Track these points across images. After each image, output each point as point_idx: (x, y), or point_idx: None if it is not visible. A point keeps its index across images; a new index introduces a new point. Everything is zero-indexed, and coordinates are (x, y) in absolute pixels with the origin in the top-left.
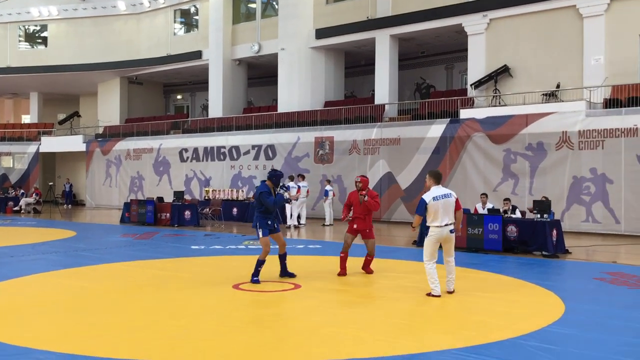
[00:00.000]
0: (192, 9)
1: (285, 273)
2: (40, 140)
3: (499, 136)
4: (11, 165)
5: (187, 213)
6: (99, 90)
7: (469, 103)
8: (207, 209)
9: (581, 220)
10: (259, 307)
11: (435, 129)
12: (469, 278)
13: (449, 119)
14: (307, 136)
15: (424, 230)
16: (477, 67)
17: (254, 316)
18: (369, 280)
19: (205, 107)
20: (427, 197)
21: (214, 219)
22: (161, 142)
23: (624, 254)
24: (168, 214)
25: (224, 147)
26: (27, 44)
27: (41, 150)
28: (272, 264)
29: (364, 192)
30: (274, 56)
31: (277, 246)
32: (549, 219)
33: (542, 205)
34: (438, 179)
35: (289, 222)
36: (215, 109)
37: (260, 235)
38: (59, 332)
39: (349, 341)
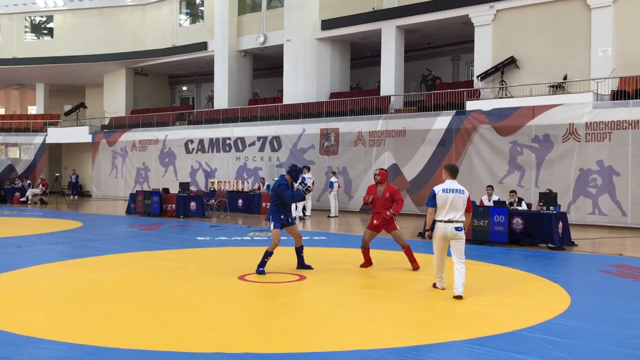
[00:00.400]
0: (198, 0)
1: (302, 265)
2: (46, 131)
3: (505, 128)
4: (18, 156)
5: (193, 204)
6: (105, 81)
7: (475, 95)
8: (213, 200)
9: (587, 212)
10: (264, 298)
11: (441, 121)
12: (475, 270)
13: (455, 111)
14: (313, 128)
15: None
16: (483, 58)
17: (259, 307)
18: (374, 272)
19: (210, 99)
20: (437, 188)
21: (219, 210)
22: (167, 134)
23: (630, 246)
24: (174, 205)
25: (229, 139)
26: (33, 35)
27: (47, 141)
28: (280, 256)
29: (388, 214)
30: (280, 47)
31: (294, 239)
32: (554, 212)
33: (548, 198)
34: (454, 174)
35: (294, 213)
36: (221, 101)
37: (272, 227)
38: (66, 322)
39: (355, 332)
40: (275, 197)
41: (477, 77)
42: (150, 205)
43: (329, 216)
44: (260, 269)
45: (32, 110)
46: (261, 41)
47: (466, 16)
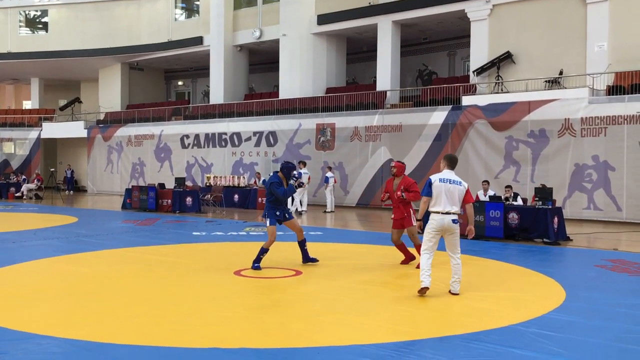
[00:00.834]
0: None
1: (307, 259)
2: (41, 126)
3: (501, 123)
4: (12, 151)
5: (189, 199)
6: (100, 76)
7: (471, 90)
8: (209, 196)
9: (583, 207)
10: (260, 293)
11: (437, 116)
12: (470, 265)
13: (451, 106)
14: (309, 123)
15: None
16: (479, 53)
17: (255, 302)
18: (370, 267)
19: (206, 94)
20: (434, 176)
21: (215, 206)
22: (162, 129)
23: (625, 241)
24: (169, 201)
25: (225, 134)
26: (27, 29)
27: (42, 136)
28: (275, 252)
29: (399, 194)
30: (276, 42)
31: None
32: (549, 206)
33: (544, 193)
34: (452, 164)
35: (290, 208)
36: (217, 96)
37: (267, 224)
38: (61, 318)
39: (350, 327)
40: (269, 195)
41: (473, 72)
42: (146, 201)
43: (325, 211)
44: (256, 264)
45: (27, 105)
46: (257, 36)
47: (462, 11)
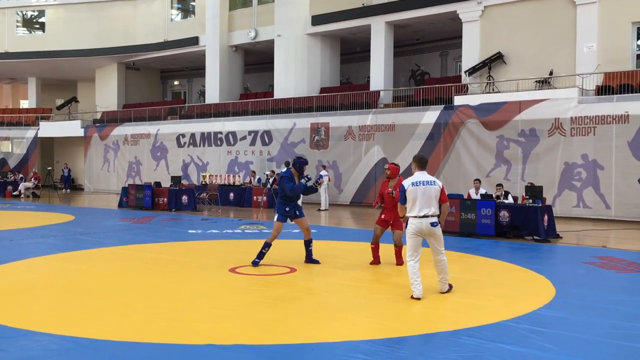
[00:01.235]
0: None
1: (310, 259)
2: (38, 125)
3: (492, 122)
4: (10, 150)
5: (185, 198)
6: (97, 75)
7: (463, 90)
8: (204, 194)
9: (572, 205)
10: (255, 290)
11: (430, 116)
12: (462, 262)
13: (443, 106)
14: (303, 122)
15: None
16: (471, 54)
17: (250, 299)
18: (363, 265)
19: (202, 93)
20: (406, 182)
21: (210, 204)
22: (158, 128)
23: (614, 238)
24: (165, 199)
25: (220, 133)
26: (24, 29)
27: (39, 135)
28: (271, 249)
29: (390, 190)
30: (271, 42)
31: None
32: (538, 205)
33: (534, 191)
34: (422, 165)
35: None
36: (212, 95)
37: (274, 219)
38: (58, 315)
39: (344, 324)
40: (280, 190)
41: (465, 72)
42: (142, 199)
43: (319, 209)
44: (256, 259)
45: (24, 104)
46: (252, 36)
47: (454, 12)
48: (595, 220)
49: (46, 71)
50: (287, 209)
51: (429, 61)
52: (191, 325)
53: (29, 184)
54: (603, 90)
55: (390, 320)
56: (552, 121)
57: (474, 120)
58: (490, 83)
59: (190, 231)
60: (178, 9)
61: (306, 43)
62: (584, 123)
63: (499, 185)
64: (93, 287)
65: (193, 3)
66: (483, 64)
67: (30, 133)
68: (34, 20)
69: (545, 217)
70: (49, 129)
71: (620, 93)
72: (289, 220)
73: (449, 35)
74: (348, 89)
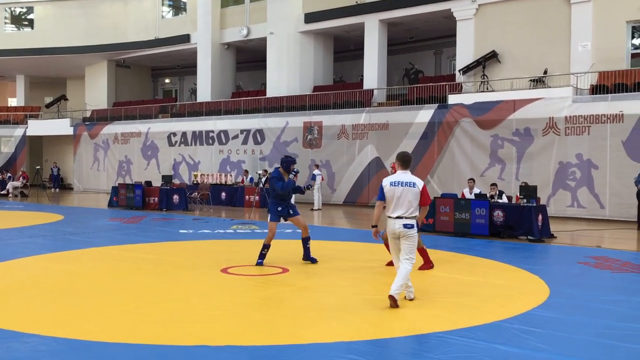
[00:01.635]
0: None
1: (307, 257)
2: (27, 123)
3: (486, 122)
4: None
5: (176, 197)
6: (86, 73)
7: (457, 88)
8: (196, 193)
9: (566, 205)
10: (247, 290)
11: (424, 114)
12: (456, 262)
13: (437, 105)
14: (296, 121)
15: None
16: (465, 52)
17: (242, 300)
18: (356, 265)
19: (193, 91)
20: (385, 180)
21: (202, 203)
22: (149, 126)
23: (608, 238)
24: (156, 198)
25: (212, 132)
26: (13, 26)
27: (28, 133)
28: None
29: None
30: (263, 40)
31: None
32: (532, 204)
33: (528, 191)
34: (404, 164)
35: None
36: (204, 93)
37: (268, 220)
38: (47, 316)
39: (337, 324)
40: (272, 190)
41: (459, 71)
42: (133, 199)
43: (312, 209)
44: (259, 260)
45: (13, 102)
46: (244, 34)
47: (448, 10)
48: (590, 220)
49: (35, 69)
50: (280, 208)
51: (423, 60)
52: (183, 326)
53: (17, 183)
54: (597, 89)
55: (384, 320)
56: (546, 120)
57: (468, 120)
58: (484, 82)
59: (181, 231)
60: (169, 6)
61: (299, 41)
62: (578, 122)
63: (493, 184)
64: (83, 288)
65: (184, 0)
66: (477, 63)
67: (18, 131)
68: (23, 17)
69: (540, 217)
70: (37, 127)
71: (614, 92)
72: (282, 220)
73: (443, 33)
74: (341, 88)
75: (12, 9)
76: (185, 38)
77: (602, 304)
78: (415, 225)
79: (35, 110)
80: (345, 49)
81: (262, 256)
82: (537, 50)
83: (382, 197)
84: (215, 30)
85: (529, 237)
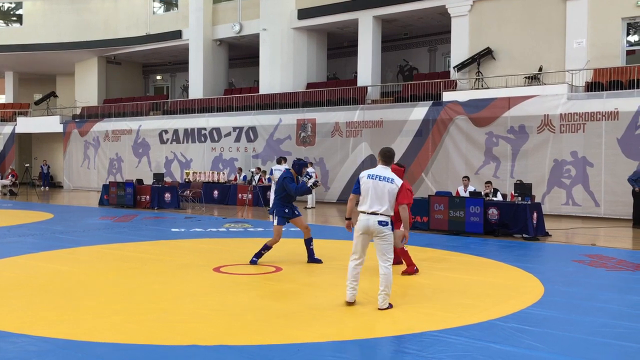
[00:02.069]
0: None
1: (312, 259)
2: (16, 121)
3: (481, 119)
4: None
5: (167, 195)
6: (76, 70)
7: (452, 86)
8: (188, 192)
9: (561, 203)
10: (239, 290)
11: (418, 112)
12: (450, 261)
13: (431, 102)
14: (289, 118)
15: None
16: (460, 49)
17: (234, 299)
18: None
19: (185, 88)
20: (363, 173)
21: (194, 202)
22: (140, 124)
23: (603, 236)
24: (148, 197)
25: (204, 129)
26: (1, 22)
27: (17, 131)
28: (257, 248)
29: None
30: (256, 37)
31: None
32: (528, 202)
33: (523, 189)
34: (386, 160)
35: (272, 205)
36: (196, 90)
37: (275, 223)
38: (36, 316)
39: (330, 324)
40: (281, 191)
41: (454, 68)
42: (124, 197)
43: (305, 207)
44: (254, 258)
45: (1, 99)
46: (237, 30)
47: (443, 6)
48: (585, 218)
49: (24, 65)
50: (286, 210)
51: (418, 56)
52: (174, 326)
53: (6, 182)
54: (592, 86)
55: (378, 319)
56: (541, 118)
57: (462, 117)
58: (479, 79)
59: (173, 230)
60: (160, 1)
61: (292, 37)
62: (573, 120)
63: (488, 182)
64: (72, 287)
65: None
66: (472, 60)
67: (7, 129)
68: (11, 13)
69: (535, 215)
70: (26, 124)
71: (609, 89)
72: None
73: (437, 30)
74: (335, 85)
75: (1, 4)
76: (177, 34)
77: (596, 302)
78: (390, 223)
79: (24, 108)
80: (339, 46)
81: (258, 255)
82: (532, 47)
83: (357, 190)
84: (207, 26)
85: (524, 235)
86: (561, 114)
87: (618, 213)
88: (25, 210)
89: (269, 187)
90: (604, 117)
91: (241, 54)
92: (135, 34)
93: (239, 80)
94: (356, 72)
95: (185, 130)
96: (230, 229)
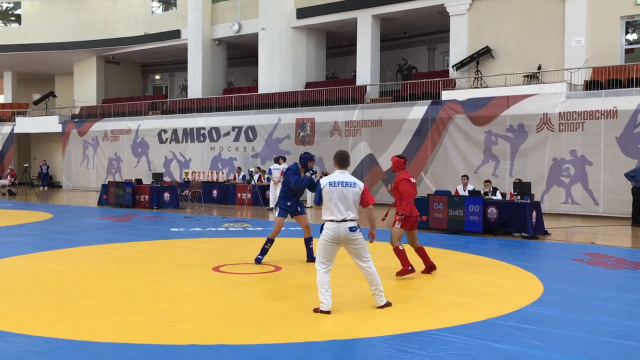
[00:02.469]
0: None
1: (311, 258)
2: (14, 120)
3: (480, 118)
4: None
5: (167, 195)
6: (75, 69)
7: (451, 84)
8: (187, 191)
9: (560, 201)
10: (238, 289)
11: (417, 111)
12: (449, 259)
13: (430, 101)
14: (288, 117)
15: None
16: (459, 48)
17: (233, 299)
18: (348, 263)
19: (184, 88)
20: (323, 180)
21: (193, 201)
22: (139, 123)
23: (602, 235)
24: (147, 196)
25: (203, 129)
26: (0, 22)
27: (16, 131)
28: (256, 248)
29: (389, 186)
30: (255, 36)
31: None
32: (527, 201)
33: (522, 187)
34: (342, 163)
35: (271, 204)
36: (195, 90)
37: (276, 215)
38: (35, 316)
39: (328, 323)
40: (285, 183)
41: (453, 66)
42: (123, 197)
43: (305, 206)
44: (259, 256)
45: (0, 99)
46: (236, 29)
47: (442, 5)
48: (584, 217)
49: (23, 65)
50: (289, 203)
51: (416, 55)
52: (173, 325)
53: (5, 182)
54: (591, 85)
55: (376, 318)
56: (540, 116)
57: (461, 116)
58: (478, 78)
59: (172, 229)
60: (159, 1)
61: (291, 37)
62: (572, 118)
63: (487, 181)
64: (72, 287)
65: None
66: (471, 59)
67: (6, 129)
68: (10, 13)
69: (534, 214)
70: (25, 124)
71: (608, 88)
72: (289, 216)
73: (436, 29)
74: (334, 84)
75: None
76: (176, 34)
77: (596, 301)
78: (358, 226)
79: (23, 107)
80: (338, 45)
81: (263, 251)
82: (531, 46)
83: (319, 200)
84: (206, 25)
85: (523, 234)
86: (560, 113)
87: (617, 211)
88: (24, 210)
89: (268, 187)
90: (602, 116)
91: (240, 54)
92: (134, 33)
93: (238, 80)
94: (355, 72)
95: (184, 129)
96: (229, 229)
